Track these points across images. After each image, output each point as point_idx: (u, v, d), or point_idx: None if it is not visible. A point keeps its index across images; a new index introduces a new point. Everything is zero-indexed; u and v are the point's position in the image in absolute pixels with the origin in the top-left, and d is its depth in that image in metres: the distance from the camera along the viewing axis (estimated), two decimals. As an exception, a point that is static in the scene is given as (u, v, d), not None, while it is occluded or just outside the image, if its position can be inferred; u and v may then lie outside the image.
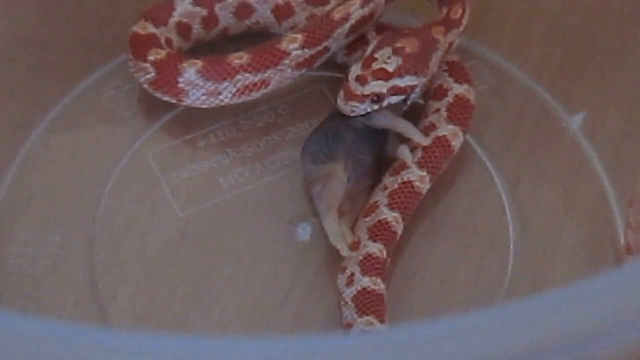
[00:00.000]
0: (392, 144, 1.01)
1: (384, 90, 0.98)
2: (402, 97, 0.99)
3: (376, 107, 0.99)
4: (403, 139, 1.01)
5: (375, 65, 0.98)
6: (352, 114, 0.98)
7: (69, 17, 1.13)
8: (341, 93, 0.98)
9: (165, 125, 1.06)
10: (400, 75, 0.98)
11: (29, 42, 1.11)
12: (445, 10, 1.05)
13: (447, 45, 1.02)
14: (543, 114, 1.07)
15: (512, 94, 1.08)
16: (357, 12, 1.05)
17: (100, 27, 1.12)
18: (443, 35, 1.02)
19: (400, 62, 0.98)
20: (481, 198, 1.02)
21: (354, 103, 0.97)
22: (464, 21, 1.04)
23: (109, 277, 0.98)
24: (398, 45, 0.99)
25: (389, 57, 0.98)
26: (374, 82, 0.98)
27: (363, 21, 1.05)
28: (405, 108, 1.02)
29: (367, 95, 0.98)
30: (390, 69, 0.98)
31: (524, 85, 1.09)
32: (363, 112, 0.98)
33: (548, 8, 1.14)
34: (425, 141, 1.00)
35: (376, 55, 0.99)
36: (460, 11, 1.04)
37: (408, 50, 0.99)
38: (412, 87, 0.99)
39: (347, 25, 1.05)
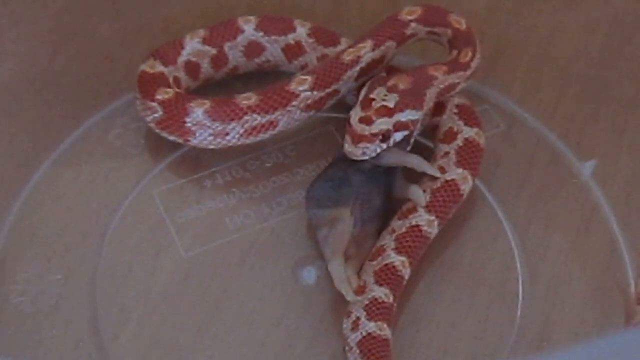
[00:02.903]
0: (400, 183, 1.00)
1: (390, 127, 0.97)
2: (406, 132, 0.98)
3: (384, 145, 0.98)
4: (411, 179, 1.01)
5: (375, 105, 0.98)
6: (364, 157, 0.97)
7: (77, 54, 1.13)
8: (348, 139, 0.97)
9: (172, 164, 1.06)
10: (401, 110, 0.98)
11: (37, 78, 1.12)
12: (455, 52, 1.04)
13: (446, 84, 1.02)
14: (554, 160, 1.07)
15: (523, 139, 1.08)
16: (367, 55, 1.04)
17: (108, 65, 1.12)
18: (443, 74, 1.01)
19: (397, 98, 0.98)
20: (490, 244, 1.02)
21: (364, 144, 0.97)
22: (473, 65, 1.04)
23: (111, 317, 0.97)
24: (391, 83, 0.99)
25: (385, 95, 0.98)
26: (379, 120, 0.97)
27: (373, 64, 1.05)
28: (408, 148, 1.01)
29: (376, 134, 0.97)
30: (390, 105, 0.98)
31: (534, 131, 1.09)
32: (373, 154, 0.97)
33: (560, 53, 1.14)
34: (437, 173, 1.00)
35: (372, 96, 0.98)
36: (470, 55, 1.03)
37: (401, 86, 0.99)
38: (414, 122, 0.99)
39: (357, 68, 1.04)
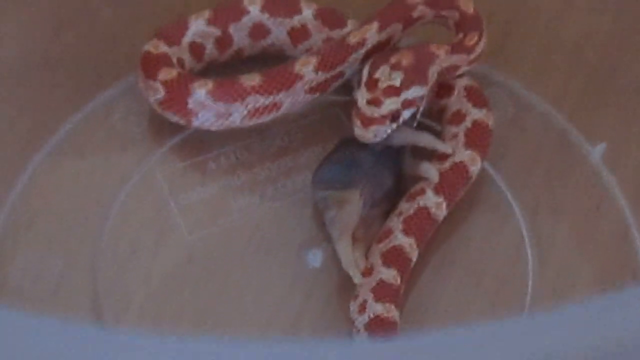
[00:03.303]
0: (409, 162, 0.99)
1: (399, 106, 0.96)
2: (413, 110, 0.97)
3: (394, 125, 0.97)
4: (421, 157, 1.00)
5: (381, 85, 0.97)
6: (375, 139, 0.96)
7: (79, 36, 1.12)
8: (357, 122, 0.96)
9: (175, 146, 1.05)
10: (407, 88, 0.97)
11: (38, 61, 1.10)
12: (461, 35, 1.03)
13: (448, 64, 1.01)
14: (563, 144, 1.06)
15: (532, 122, 1.07)
16: (373, 37, 1.03)
17: (111, 46, 1.11)
18: (445, 53, 1.00)
19: (402, 76, 0.97)
20: (499, 228, 1.01)
21: (375, 127, 0.96)
22: (478, 49, 1.03)
23: (113, 302, 0.96)
24: (393, 61, 0.98)
25: (390, 74, 0.97)
26: (387, 101, 0.96)
27: (379, 46, 1.04)
28: (415, 125, 1.00)
29: (386, 116, 0.96)
30: (396, 84, 0.97)
31: (543, 114, 1.07)
32: (385, 135, 0.96)
33: (569, 36, 1.13)
34: (449, 150, 0.99)
35: (376, 76, 0.97)
36: (475, 38, 1.02)
37: (404, 63, 0.98)
38: (420, 98, 0.98)
39: (363, 51, 1.03)
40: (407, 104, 0.97)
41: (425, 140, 0.99)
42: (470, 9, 1.04)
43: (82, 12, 1.13)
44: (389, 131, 0.97)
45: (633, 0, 1.14)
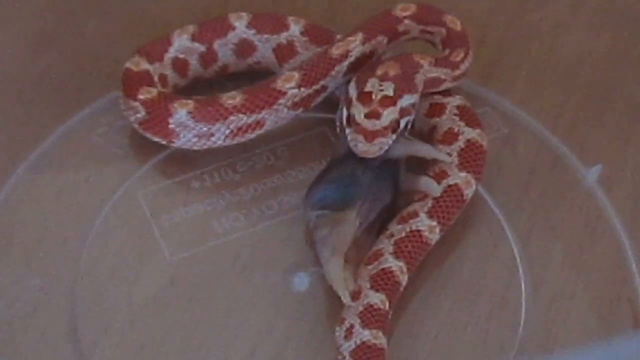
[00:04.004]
0: (406, 177, 0.97)
1: (397, 116, 0.95)
2: (409, 118, 0.96)
3: (394, 136, 0.95)
4: (418, 171, 0.98)
5: (376, 97, 0.95)
6: (380, 153, 0.94)
7: (62, 50, 1.11)
8: (359, 137, 0.94)
9: (158, 164, 1.03)
10: (401, 96, 0.95)
11: (20, 75, 1.10)
12: (447, 51, 1.02)
13: (431, 76, 1.00)
14: (557, 165, 1.04)
15: (525, 143, 1.06)
16: (357, 49, 1.01)
17: (94, 61, 1.10)
18: (429, 64, 0.99)
19: (393, 85, 0.95)
20: (491, 251, 0.99)
21: (379, 140, 0.94)
22: (463, 67, 1.02)
23: (92, 325, 0.94)
24: (380, 72, 0.97)
25: (380, 85, 0.95)
26: (386, 112, 0.94)
27: (363, 59, 1.02)
28: (406, 135, 0.98)
29: (388, 127, 0.94)
30: (390, 93, 0.95)
31: (537, 135, 1.06)
32: (387, 146, 0.95)
33: (563, 55, 1.12)
34: (447, 159, 0.97)
35: (367, 90, 0.95)
36: (462, 55, 1.01)
37: (392, 73, 0.96)
38: (413, 106, 0.97)
39: (346, 63, 1.01)
40: (403, 113, 0.95)
41: (423, 150, 0.98)
42: (457, 26, 1.03)
43: (64, 27, 1.13)
44: (391, 142, 0.95)
45: (631, 18, 1.14)
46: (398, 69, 0.96)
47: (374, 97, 0.95)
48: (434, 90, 1.01)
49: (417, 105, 0.97)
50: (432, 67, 0.99)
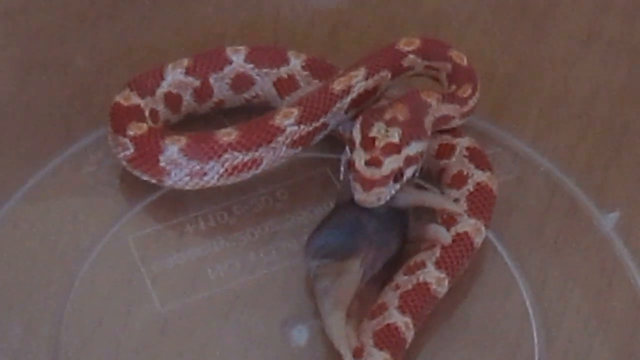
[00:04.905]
0: (414, 225, 0.94)
1: (401, 164, 0.92)
2: (416, 167, 0.93)
3: (398, 186, 0.92)
4: (426, 218, 0.94)
5: (379, 143, 0.91)
6: (379, 203, 0.91)
7: (49, 84, 1.09)
8: (357, 186, 0.91)
9: (150, 206, 1.00)
10: (407, 143, 0.92)
11: (4, 108, 1.07)
12: (453, 87, 1.00)
13: (440, 115, 0.97)
14: (572, 210, 1.01)
15: (538, 185, 1.03)
16: (359, 85, 0.99)
17: (84, 95, 1.08)
18: (437, 102, 0.96)
19: (400, 131, 0.92)
20: (502, 302, 0.96)
21: (378, 190, 0.90)
22: (471, 103, 0.99)
23: (76, 378, 0.92)
24: (388, 116, 0.93)
25: (387, 131, 0.92)
26: (388, 160, 0.91)
27: (366, 95, 0.99)
28: (414, 181, 0.95)
29: (388, 176, 0.91)
30: (395, 140, 0.92)
31: (550, 177, 1.03)
32: (389, 197, 0.91)
33: (576, 91, 1.11)
34: (460, 210, 0.94)
35: (372, 135, 0.92)
36: (469, 91, 0.99)
37: (401, 118, 0.93)
38: (422, 154, 0.93)
39: (348, 99, 0.99)
40: (409, 161, 0.92)
41: (433, 200, 0.95)
42: (463, 61, 1.01)
43: (53, 58, 1.12)
44: (393, 192, 0.91)
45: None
46: (407, 112, 0.93)
47: (377, 143, 0.91)
48: (443, 128, 0.98)
49: (425, 152, 0.94)
50: (440, 105, 0.96)
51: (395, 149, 0.91)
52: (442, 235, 0.92)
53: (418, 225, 0.94)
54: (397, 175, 0.91)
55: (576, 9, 1.15)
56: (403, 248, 0.94)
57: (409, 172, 0.92)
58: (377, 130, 0.92)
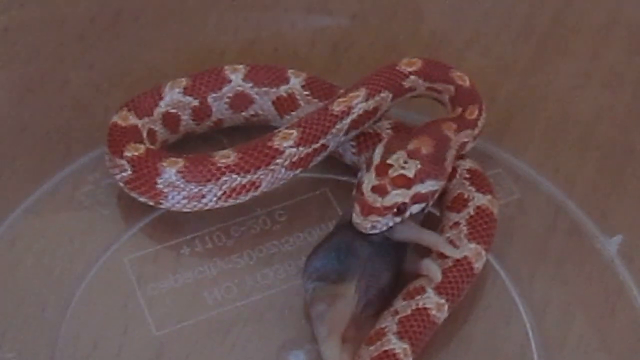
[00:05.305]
0: (412, 258, 0.93)
1: (407, 200, 0.90)
2: (423, 205, 0.92)
3: (398, 219, 0.91)
4: (423, 252, 0.93)
5: (392, 172, 0.90)
6: (373, 231, 0.90)
7: (48, 102, 1.08)
8: (357, 208, 0.90)
9: (147, 227, 0.99)
10: (422, 181, 0.91)
11: (3, 127, 1.06)
12: (459, 110, 0.98)
13: (458, 145, 0.96)
14: (574, 233, 1.00)
15: (540, 208, 1.01)
16: (360, 106, 0.97)
17: (81, 114, 1.07)
18: (454, 133, 0.95)
19: (419, 166, 0.91)
20: (503, 327, 0.94)
21: (374, 218, 0.89)
22: (480, 123, 0.98)
23: (69, 404, 0.91)
24: (411, 147, 0.92)
25: (405, 162, 0.91)
26: (395, 192, 0.89)
27: (366, 116, 0.98)
28: (421, 218, 0.94)
29: (389, 208, 0.89)
30: (410, 174, 0.90)
31: (553, 200, 1.02)
32: (384, 228, 0.90)
33: (580, 114, 1.09)
34: (457, 255, 0.92)
35: (389, 162, 0.91)
36: (476, 112, 0.98)
37: (424, 151, 0.92)
38: (433, 193, 0.92)
39: (348, 120, 0.97)
40: (417, 198, 0.91)
41: (431, 240, 0.92)
42: (466, 82, 1.00)
43: (50, 76, 1.11)
44: (390, 224, 0.90)
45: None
46: (432, 147, 0.92)
47: (390, 172, 0.90)
48: (459, 154, 0.97)
49: (439, 192, 0.92)
50: (457, 135, 0.95)
51: (406, 183, 0.90)
52: (433, 271, 0.90)
53: (412, 258, 0.92)
54: (400, 210, 0.89)
55: (580, 30, 1.14)
56: (397, 280, 0.92)
57: (415, 209, 0.91)
58: (396, 158, 0.91)
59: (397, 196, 0.89)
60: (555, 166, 1.04)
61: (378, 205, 0.89)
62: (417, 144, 0.92)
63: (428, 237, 0.92)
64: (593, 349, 0.93)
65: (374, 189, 0.89)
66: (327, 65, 1.11)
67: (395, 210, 0.89)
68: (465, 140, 0.96)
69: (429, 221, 0.96)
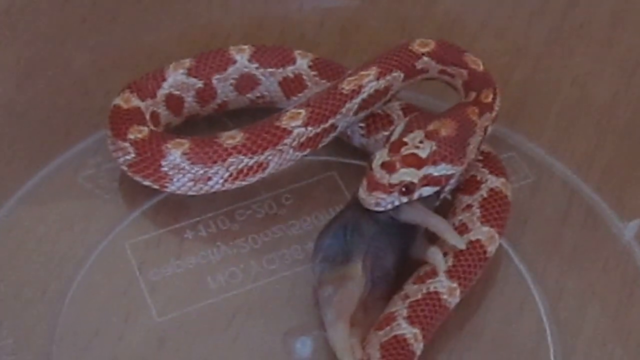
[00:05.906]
0: (419, 244, 0.91)
1: (415, 180, 0.88)
2: (436, 189, 0.90)
3: (405, 199, 0.89)
4: (433, 239, 0.91)
5: (405, 151, 0.89)
6: (377, 208, 0.88)
7: (48, 86, 1.08)
8: (364, 182, 0.88)
9: (149, 211, 0.98)
10: (435, 163, 0.89)
11: (4, 110, 1.06)
12: (473, 94, 0.96)
13: (482, 129, 0.94)
14: (590, 218, 0.99)
15: (555, 193, 1.00)
16: (370, 85, 0.96)
17: (83, 97, 1.06)
18: (478, 117, 0.93)
19: (434, 148, 0.89)
20: (517, 313, 0.93)
21: (379, 194, 0.88)
22: (496, 107, 0.96)
23: (69, 391, 0.90)
24: (431, 128, 0.90)
25: (421, 142, 0.89)
26: (403, 170, 0.88)
27: (377, 96, 0.97)
28: (437, 203, 0.92)
29: (395, 185, 0.88)
30: (423, 155, 0.89)
31: (568, 184, 1.01)
32: (389, 206, 0.88)
33: (597, 96, 1.08)
34: (462, 245, 0.90)
35: (406, 140, 0.89)
36: (491, 95, 0.96)
37: (443, 133, 0.90)
38: (448, 178, 0.90)
39: (358, 100, 0.96)
40: (429, 181, 0.89)
41: (439, 227, 0.91)
42: (479, 67, 0.98)
43: (52, 59, 1.09)
44: (396, 203, 0.88)
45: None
46: (453, 130, 0.90)
47: (403, 149, 0.88)
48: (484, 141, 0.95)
49: (456, 178, 0.91)
50: (480, 120, 0.93)
51: (417, 163, 0.88)
52: (438, 261, 0.89)
53: (424, 244, 0.91)
54: (408, 189, 0.88)
55: (596, 12, 1.12)
56: (401, 264, 0.90)
57: (425, 191, 0.89)
58: (412, 137, 0.89)
59: (405, 175, 0.87)
60: (570, 150, 1.03)
61: (384, 182, 0.87)
62: (437, 125, 0.90)
63: (435, 222, 0.90)
64: (609, 336, 0.92)
65: (383, 165, 0.88)
66: (335, 47, 1.09)
67: (402, 189, 0.87)
68: (486, 124, 0.94)
69: (441, 203, 0.93)
